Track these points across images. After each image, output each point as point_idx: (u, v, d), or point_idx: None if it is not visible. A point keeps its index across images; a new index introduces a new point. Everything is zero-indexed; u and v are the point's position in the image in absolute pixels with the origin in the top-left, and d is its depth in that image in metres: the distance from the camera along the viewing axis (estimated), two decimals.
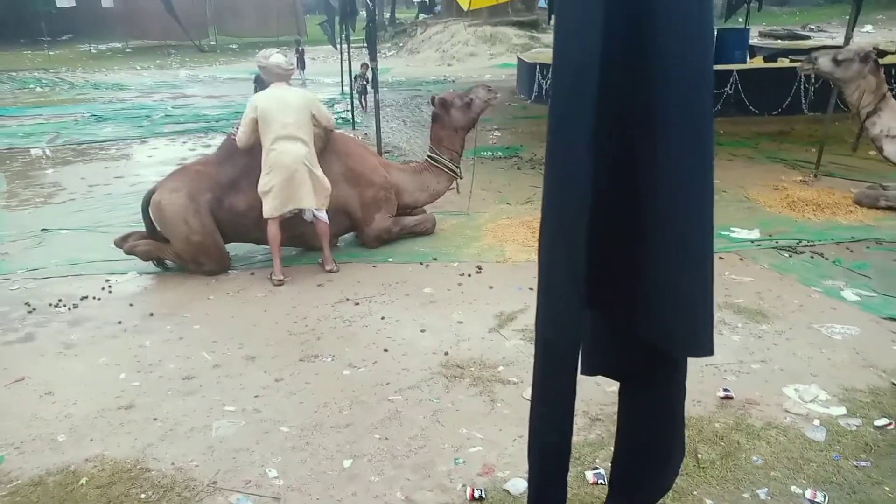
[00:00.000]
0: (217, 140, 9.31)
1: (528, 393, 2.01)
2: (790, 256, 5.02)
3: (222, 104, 13.89)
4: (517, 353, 3.77)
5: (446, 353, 3.80)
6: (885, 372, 3.46)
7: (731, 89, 10.17)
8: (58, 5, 26.71)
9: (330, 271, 5.05)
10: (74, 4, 26.89)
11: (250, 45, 27.87)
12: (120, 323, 4.33)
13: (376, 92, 7.75)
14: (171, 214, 4.91)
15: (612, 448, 2.14)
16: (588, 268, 1.63)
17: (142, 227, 5.23)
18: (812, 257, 4.97)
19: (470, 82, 11.03)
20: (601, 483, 2.66)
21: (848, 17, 7.46)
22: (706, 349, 1.67)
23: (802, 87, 9.93)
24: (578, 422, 3.03)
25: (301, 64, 18.10)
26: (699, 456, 2.83)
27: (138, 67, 22.60)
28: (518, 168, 8.04)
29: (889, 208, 5.85)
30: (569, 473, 1.90)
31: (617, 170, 1.63)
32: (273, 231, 4.87)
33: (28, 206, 7.17)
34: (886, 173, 6.43)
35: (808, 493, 2.59)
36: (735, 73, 10.21)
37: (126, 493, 2.74)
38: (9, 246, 5.86)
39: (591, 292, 1.67)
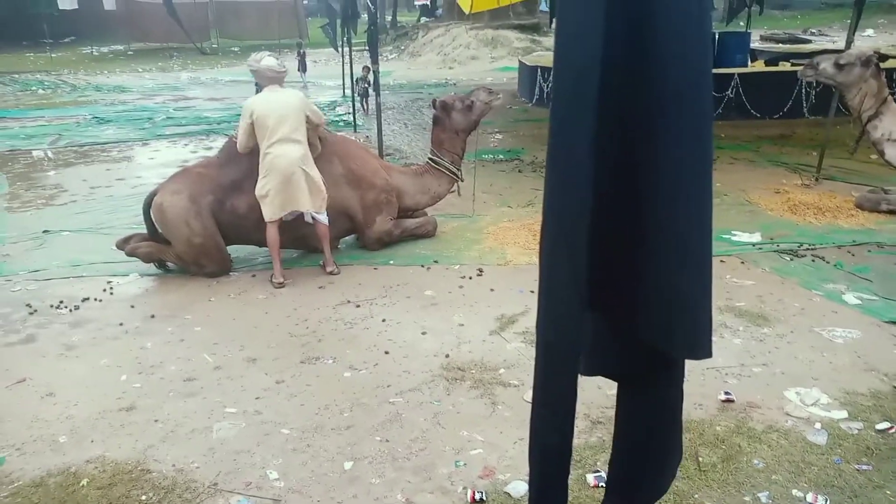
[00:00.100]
0: (218, 142, 9.33)
1: (528, 395, 2.01)
2: (791, 260, 5.02)
3: (224, 106, 13.90)
4: (518, 355, 3.77)
5: (447, 356, 3.80)
6: (886, 375, 3.45)
7: (732, 93, 10.17)
8: (60, 8, 26.79)
9: (331, 273, 5.05)
10: (77, 7, 26.95)
11: (252, 47, 27.79)
12: (121, 324, 4.34)
13: (378, 95, 7.76)
14: (173, 216, 4.92)
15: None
16: (589, 270, 1.63)
17: (143, 229, 5.23)
18: (813, 261, 4.97)
19: (471, 85, 11.04)
20: (602, 486, 2.66)
21: (849, 21, 7.46)
22: (705, 351, 1.68)
23: (804, 90, 9.93)
24: (579, 424, 3.03)
25: (303, 67, 18.14)
26: (700, 459, 2.82)
27: (140, 70, 22.64)
28: (519, 171, 8.05)
29: (890, 212, 5.85)
30: (570, 476, 1.90)
31: (618, 172, 1.63)
32: (272, 234, 4.88)
33: (30, 208, 7.18)
34: (888, 177, 6.42)
35: (810, 497, 2.58)
36: (736, 76, 10.21)
37: (127, 494, 2.74)
38: (10, 247, 5.87)
39: (591, 294, 1.68)
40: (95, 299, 4.72)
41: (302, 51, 18.74)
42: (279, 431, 3.16)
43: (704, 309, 1.66)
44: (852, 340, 3.83)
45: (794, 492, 2.63)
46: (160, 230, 5.07)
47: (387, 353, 3.87)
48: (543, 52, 18.50)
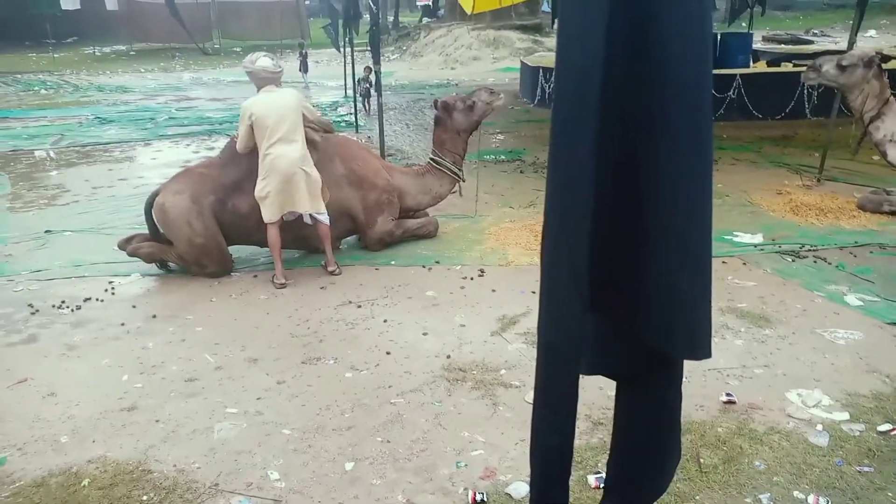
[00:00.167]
0: (220, 142, 9.34)
1: (530, 396, 2.01)
2: (793, 261, 5.01)
3: (226, 107, 13.91)
4: (519, 356, 3.77)
5: (448, 357, 3.80)
6: (888, 377, 3.45)
7: (734, 94, 10.16)
8: (62, 8, 26.83)
9: (332, 274, 5.06)
10: (79, 7, 26.99)
11: (254, 47, 27.74)
12: (123, 325, 4.34)
13: (379, 95, 7.76)
14: (175, 217, 4.93)
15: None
16: (590, 270, 1.63)
17: (145, 230, 5.23)
18: (815, 262, 4.96)
19: (473, 86, 11.03)
20: (603, 487, 2.65)
21: (851, 22, 7.45)
22: (705, 351, 1.69)
23: (806, 91, 9.92)
24: (581, 426, 3.02)
25: (304, 67, 18.16)
26: (701, 460, 2.82)
27: (142, 70, 22.66)
28: (521, 172, 8.04)
29: (893, 213, 5.85)
30: (571, 477, 1.90)
31: (619, 173, 1.63)
32: (273, 235, 4.88)
33: (32, 208, 7.19)
34: (890, 178, 6.41)
35: (811, 499, 2.58)
36: (738, 77, 10.20)
37: (128, 494, 2.74)
38: (12, 247, 5.88)
39: (592, 295, 1.68)
40: (97, 299, 4.73)
41: (304, 51, 18.77)
42: (280, 432, 3.16)
43: (704, 309, 1.67)
44: (854, 342, 3.82)
45: (796, 493, 2.63)
46: (162, 230, 5.07)
47: (388, 353, 3.87)
48: (545, 53, 18.49)
